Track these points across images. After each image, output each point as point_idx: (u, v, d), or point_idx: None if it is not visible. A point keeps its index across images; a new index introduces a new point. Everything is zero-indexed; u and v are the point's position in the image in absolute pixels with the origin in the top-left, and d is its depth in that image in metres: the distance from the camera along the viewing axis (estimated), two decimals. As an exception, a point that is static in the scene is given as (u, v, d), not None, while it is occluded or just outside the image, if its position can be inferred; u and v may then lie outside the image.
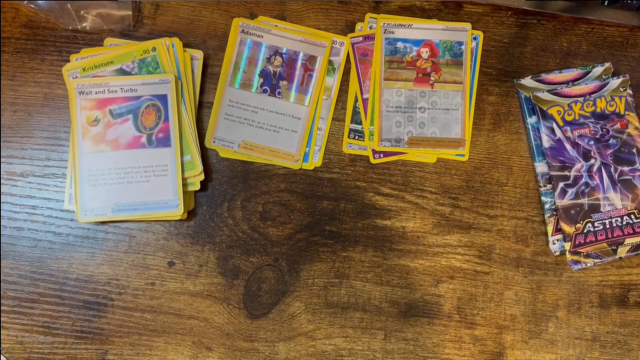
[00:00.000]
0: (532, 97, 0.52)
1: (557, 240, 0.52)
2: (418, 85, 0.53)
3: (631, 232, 0.51)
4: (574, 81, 0.53)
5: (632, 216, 0.51)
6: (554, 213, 0.52)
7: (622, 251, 0.52)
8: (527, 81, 0.53)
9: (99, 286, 0.51)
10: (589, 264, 0.52)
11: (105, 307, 0.51)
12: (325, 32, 0.53)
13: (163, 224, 0.52)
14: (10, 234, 0.52)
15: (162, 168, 0.50)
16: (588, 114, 0.52)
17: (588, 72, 0.53)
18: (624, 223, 0.51)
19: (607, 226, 0.51)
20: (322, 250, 0.52)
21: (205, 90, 0.53)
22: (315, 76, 0.53)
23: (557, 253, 0.52)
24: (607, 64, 0.53)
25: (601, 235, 0.51)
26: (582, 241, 0.51)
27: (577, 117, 0.52)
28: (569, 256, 0.51)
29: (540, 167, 0.53)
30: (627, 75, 0.53)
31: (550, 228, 0.52)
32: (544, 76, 0.53)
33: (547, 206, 0.52)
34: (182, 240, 0.52)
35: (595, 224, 0.51)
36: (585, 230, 0.51)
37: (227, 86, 0.53)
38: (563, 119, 0.52)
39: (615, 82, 0.53)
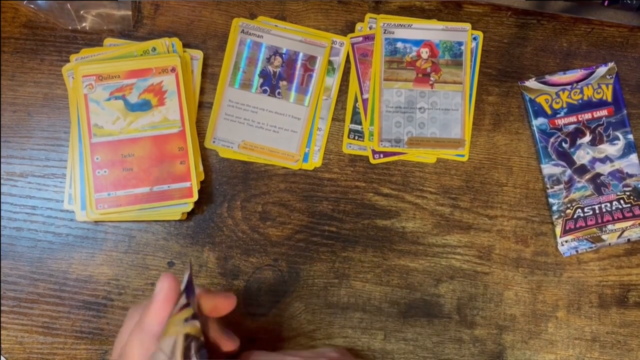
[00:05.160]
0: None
1: (566, 241, 0.52)
2: (418, 85, 0.53)
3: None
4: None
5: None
6: (562, 215, 0.52)
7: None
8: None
9: (98, 286, 0.51)
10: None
11: (105, 308, 0.51)
12: (325, 32, 0.53)
13: (163, 224, 0.52)
14: (9, 234, 0.52)
15: (161, 168, 0.50)
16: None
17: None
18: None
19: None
20: (322, 251, 0.52)
21: (205, 90, 0.53)
22: (315, 76, 0.53)
23: (567, 255, 0.52)
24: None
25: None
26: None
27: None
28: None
29: (547, 169, 0.52)
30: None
31: (558, 230, 0.52)
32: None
33: (554, 208, 0.52)
34: (182, 240, 0.52)
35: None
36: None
37: (227, 86, 0.53)
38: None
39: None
